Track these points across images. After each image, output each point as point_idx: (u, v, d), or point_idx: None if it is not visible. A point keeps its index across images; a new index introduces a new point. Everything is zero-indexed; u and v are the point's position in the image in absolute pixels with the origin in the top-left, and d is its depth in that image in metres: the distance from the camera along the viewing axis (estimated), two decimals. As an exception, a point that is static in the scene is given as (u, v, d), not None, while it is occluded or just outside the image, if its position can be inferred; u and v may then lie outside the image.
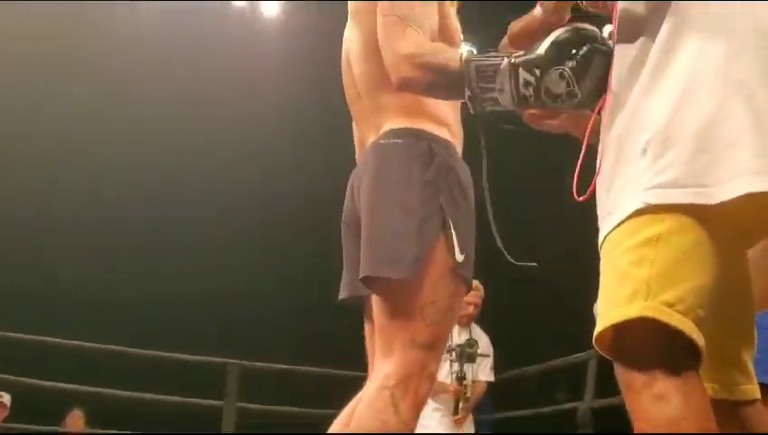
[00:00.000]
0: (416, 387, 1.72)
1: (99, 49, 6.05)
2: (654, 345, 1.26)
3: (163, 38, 6.14)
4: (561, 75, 1.49)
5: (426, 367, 1.74)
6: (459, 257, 1.76)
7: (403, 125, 1.87)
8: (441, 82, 1.65)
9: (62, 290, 6.14)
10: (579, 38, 1.50)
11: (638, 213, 1.31)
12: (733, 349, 1.47)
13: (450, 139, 1.88)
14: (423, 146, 1.83)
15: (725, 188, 1.28)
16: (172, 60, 6.19)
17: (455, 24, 2.00)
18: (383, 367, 1.75)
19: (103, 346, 5.10)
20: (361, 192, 1.88)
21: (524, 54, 1.52)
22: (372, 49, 1.85)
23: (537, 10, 1.59)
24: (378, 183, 1.85)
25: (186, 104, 6.34)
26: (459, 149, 1.92)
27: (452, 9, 2.04)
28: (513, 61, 1.52)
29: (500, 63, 1.53)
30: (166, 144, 6.42)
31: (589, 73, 1.49)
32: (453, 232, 1.76)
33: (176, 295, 6.42)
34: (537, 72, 1.50)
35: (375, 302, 1.82)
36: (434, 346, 1.76)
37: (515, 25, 1.67)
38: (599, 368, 4.64)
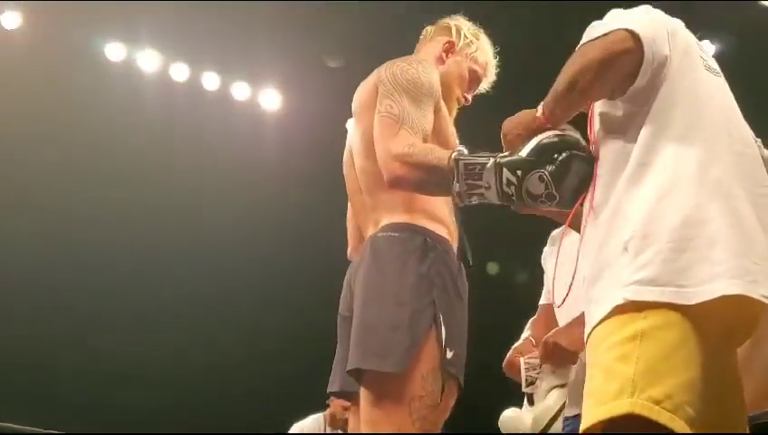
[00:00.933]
0: None
1: (95, 143, 6.07)
2: None
3: (163, 129, 6.18)
4: (541, 178, 1.57)
5: None
6: (449, 353, 1.77)
7: (400, 220, 1.92)
8: (431, 179, 1.73)
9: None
10: (560, 144, 1.58)
11: (621, 309, 1.33)
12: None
13: (446, 235, 1.92)
14: (418, 240, 1.87)
15: (703, 290, 1.30)
16: (172, 150, 6.23)
17: (451, 128, 2.10)
18: None
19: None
20: (356, 283, 1.90)
21: (509, 155, 1.61)
22: (372, 146, 1.91)
23: (539, 110, 1.63)
24: (373, 274, 1.87)
25: (185, 202, 6.35)
26: (454, 245, 1.94)
27: (450, 112, 2.11)
28: (497, 161, 1.61)
29: (486, 163, 1.62)
30: (162, 237, 6.41)
31: (567, 177, 1.56)
32: (443, 328, 1.78)
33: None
34: (519, 173, 1.58)
35: (362, 394, 1.80)
36: None
37: (509, 123, 1.71)
38: None
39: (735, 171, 1.45)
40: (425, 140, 1.88)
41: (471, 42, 2.24)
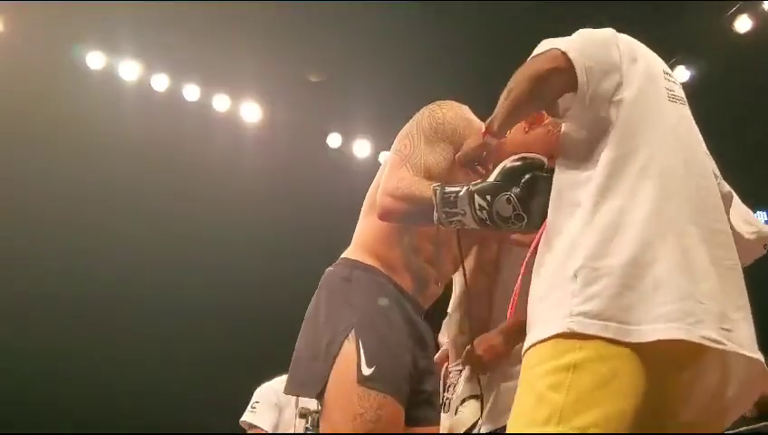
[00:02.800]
0: None
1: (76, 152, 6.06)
2: None
3: (142, 140, 6.18)
4: (508, 200, 1.67)
5: None
6: (366, 371, 1.88)
7: (344, 254, 2.11)
8: (414, 210, 1.88)
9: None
10: (524, 166, 1.68)
11: (562, 336, 1.37)
12: None
13: (377, 266, 2.05)
14: (345, 272, 2.05)
15: (644, 329, 1.35)
16: (152, 161, 6.21)
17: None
18: None
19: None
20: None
21: (480, 182, 1.73)
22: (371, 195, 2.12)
23: (488, 138, 1.73)
24: (310, 306, 2.07)
25: (163, 213, 6.34)
26: (406, 281, 2.07)
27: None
28: (469, 188, 1.73)
29: (459, 191, 1.74)
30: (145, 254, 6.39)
31: (533, 198, 1.64)
32: (361, 347, 1.91)
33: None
34: (488, 197, 1.69)
35: (321, 418, 1.97)
36: None
37: (467, 145, 1.84)
38: None
39: (691, 207, 1.48)
40: (428, 178, 1.97)
41: None
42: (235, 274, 6.53)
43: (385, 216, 1.98)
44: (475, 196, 1.71)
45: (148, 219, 6.38)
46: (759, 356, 1.44)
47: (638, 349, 1.35)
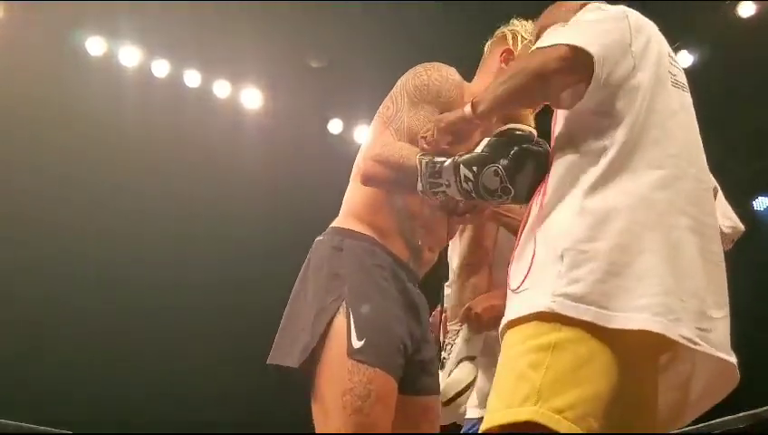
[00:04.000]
0: None
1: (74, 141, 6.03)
2: None
3: (143, 128, 6.15)
4: (496, 172, 1.65)
5: None
6: (356, 343, 1.82)
7: (334, 223, 2.05)
8: (398, 178, 1.86)
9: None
10: (514, 138, 1.67)
11: (542, 315, 1.39)
12: None
13: (370, 233, 1.98)
14: (336, 240, 1.97)
15: (623, 317, 1.36)
16: (152, 147, 6.19)
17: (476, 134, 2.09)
18: None
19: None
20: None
21: (466, 153, 1.71)
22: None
23: (467, 109, 1.71)
24: (300, 275, 2.01)
25: (164, 199, 6.33)
26: (400, 249, 2.00)
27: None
28: (455, 160, 1.71)
29: (445, 162, 1.74)
30: (140, 233, 6.37)
31: (521, 171, 1.63)
32: (352, 319, 1.84)
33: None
34: (475, 169, 1.68)
35: (311, 393, 1.89)
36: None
37: (446, 117, 1.82)
38: None
39: (687, 198, 1.47)
40: (411, 142, 1.93)
41: (531, 41, 2.15)
42: (234, 259, 6.53)
43: (367, 181, 1.96)
44: (461, 167, 1.70)
45: (149, 206, 6.36)
46: (732, 359, 1.45)
47: (617, 335, 1.36)
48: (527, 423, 1.31)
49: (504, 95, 1.60)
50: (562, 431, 1.30)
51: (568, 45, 1.49)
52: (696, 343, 1.38)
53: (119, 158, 6.20)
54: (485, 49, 2.25)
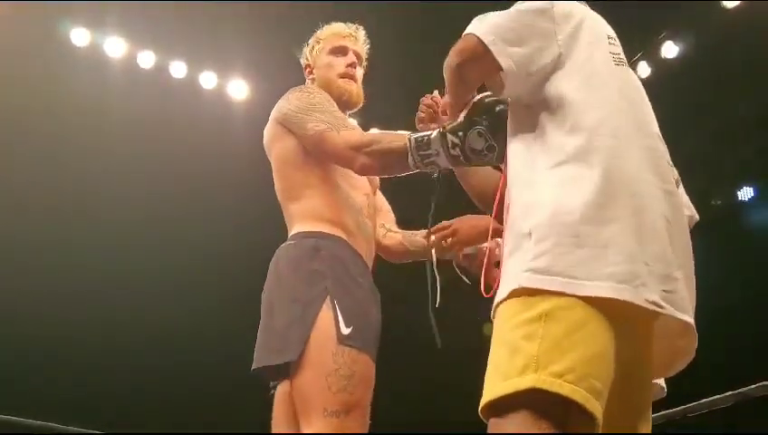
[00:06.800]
0: None
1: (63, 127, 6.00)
2: (548, 416, 1.31)
3: (129, 118, 6.12)
4: (480, 133, 1.80)
5: (343, 433, 1.91)
6: (345, 330, 1.97)
7: (298, 230, 2.18)
8: (392, 161, 2.01)
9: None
10: (493, 102, 1.80)
11: (527, 290, 1.42)
12: (630, 421, 1.54)
13: (341, 235, 2.15)
14: (310, 243, 2.12)
15: (591, 285, 1.39)
16: (138, 139, 6.17)
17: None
18: None
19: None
20: (264, 290, 2.14)
21: (451, 123, 1.85)
22: (282, 167, 2.25)
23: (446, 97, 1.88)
24: (271, 280, 2.13)
25: (150, 190, 6.32)
26: (363, 244, 2.21)
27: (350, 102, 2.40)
28: (441, 130, 1.87)
29: (431, 134, 1.89)
30: (124, 223, 6.35)
31: (502, 129, 1.72)
32: (338, 309, 1.99)
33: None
34: (460, 134, 1.82)
35: (292, 387, 2.01)
36: (349, 412, 1.96)
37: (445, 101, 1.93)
38: None
39: (644, 167, 1.52)
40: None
41: (314, 45, 2.49)
42: (221, 249, 6.53)
43: (363, 171, 2.13)
44: (448, 135, 1.84)
45: (135, 197, 6.34)
46: (691, 320, 1.49)
47: (596, 303, 1.38)
48: (528, 392, 1.32)
49: (450, 92, 1.77)
50: (564, 393, 1.31)
51: (475, 36, 1.57)
52: (661, 307, 1.42)
53: (103, 149, 6.17)
54: None
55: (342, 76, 2.38)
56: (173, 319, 6.49)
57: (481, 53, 1.56)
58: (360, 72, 2.42)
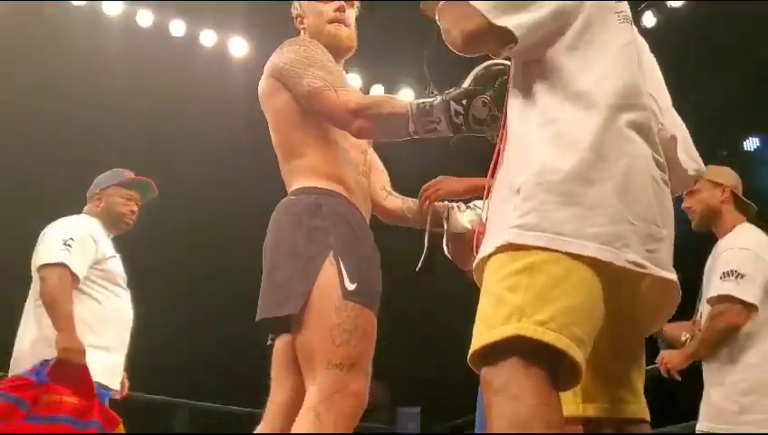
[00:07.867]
0: (338, 405, 1.89)
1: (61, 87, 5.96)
2: (536, 363, 1.35)
3: (129, 76, 6.07)
4: (484, 103, 1.80)
5: (346, 386, 1.92)
6: (350, 286, 1.96)
7: (300, 185, 2.16)
8: (391, 126, 2.00)
9: None
10: (496, 71, 1.80)
11: (513, 245, 1.44)
12: (621, 369, 1.61)
13: (341, 192, 2.14)
14: (311, 199, 2.10)
15: (576, 242, 1.41)
16: (137, 97, 6.14)
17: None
18: (309, 391, 1.93)
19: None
20: (264, 246, 2.13)
21: (454, 90, 1.84)
22: (279, 123, 2.21)
23: None
24: (273, 235, 2.12)
25: (151, 149, 6.29)
26: (361, 201, 2.20)
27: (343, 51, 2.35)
28: (444, 97, 1.85)
29: (434, 101, 1.87)
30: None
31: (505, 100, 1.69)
32: (342, 265, 1.98)
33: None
34: (464, 102, 1.82)
35: (295, 339, 2.01)
36: (352, 365, 1.93)
37: None
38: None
39: (635, 127, 1.51)
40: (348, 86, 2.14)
41: None
42: (219, 207, 6.52)
43: (361, 135, 2.11)
44: (451, 103, 1.83)
45: (135, 155, 6.31)
46: (674, 277, 1.53)
47: (580, 259, 1.41)
48: (512, 339, 1.35)
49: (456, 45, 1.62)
50: (547, 340, 1.34)
51: (483, 16, 1.50)
52: (643, 267, 1.44)
53: (104, 110, 6.15)
54: None
55: (331, 21, 2.30)
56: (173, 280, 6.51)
57: (486, 29, 1.50)
58: (352, 14, 2.35)
